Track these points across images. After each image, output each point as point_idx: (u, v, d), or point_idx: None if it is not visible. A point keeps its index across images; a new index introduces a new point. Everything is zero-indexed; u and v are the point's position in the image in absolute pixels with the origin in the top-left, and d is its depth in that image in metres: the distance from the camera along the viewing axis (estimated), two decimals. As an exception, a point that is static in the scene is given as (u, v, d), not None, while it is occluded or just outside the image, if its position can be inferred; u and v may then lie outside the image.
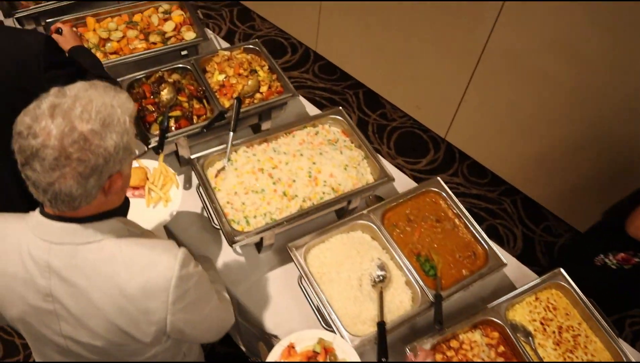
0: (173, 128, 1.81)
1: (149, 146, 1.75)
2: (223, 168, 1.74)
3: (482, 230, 1.73)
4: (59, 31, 1.69)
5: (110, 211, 1.01)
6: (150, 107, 1.87)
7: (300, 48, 3.70)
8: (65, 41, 1.67)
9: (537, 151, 2.90)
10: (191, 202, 1.83)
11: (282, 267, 1.74)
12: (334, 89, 3.48)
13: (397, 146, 3.22)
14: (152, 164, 1.65)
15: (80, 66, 1.46)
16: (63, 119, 0.86)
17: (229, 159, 1.75)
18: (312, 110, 2.19)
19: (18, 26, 2.29)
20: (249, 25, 3.82)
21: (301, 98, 2.12)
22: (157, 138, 1.75)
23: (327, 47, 3.59)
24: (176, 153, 1.89)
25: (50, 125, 0.86)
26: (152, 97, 1.89)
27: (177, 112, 1.85)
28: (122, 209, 1.07)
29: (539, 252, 2.90)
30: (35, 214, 1.00)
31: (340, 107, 1.96)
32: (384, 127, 3.30)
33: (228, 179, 1.70)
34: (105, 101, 0.92)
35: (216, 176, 1.73)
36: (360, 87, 3.49)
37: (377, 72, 3.37)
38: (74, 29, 2.17)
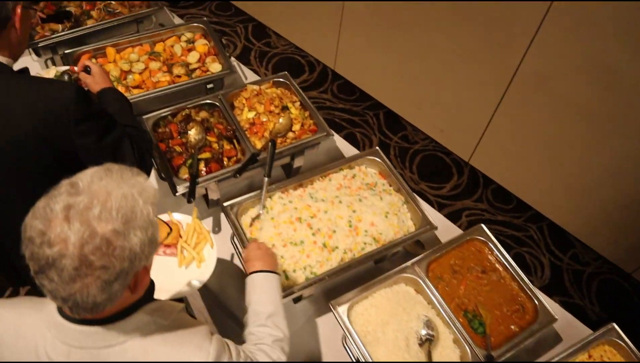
0: (203, 172, 1.71)
1: (177, 193, 1.65)
2: (258, 216, 1.65)
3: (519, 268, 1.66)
4: (87, 70, 1.59)
5: (135, 304, 0.92)
6: (178, 148, 1.77)
7: (318, 66, 3.60)
8: (94, 82, 1.57)
9: (565, 177, 2.81)
10: (220, 246, 1.73)
11: (320, 318, 1.65)
12: (354, 110, 3.38)
13: (419, 170, 3.13)
14: (184, 219, 1.55)
15: (111, 117, 1.37)
16: (81, 223, 0.76)
17: (264, 207, 1.66)
18: (342, 145, 2.09)
19: (34, 57, 2.19)
20: (264, 42, 3.71)
21: (336, 136, 2.01)
22: (186, 184, 1.65)
23: (346, 66, 3.49)
24: (205, 194, 1.80)
25: (67, 231, 0.76)
26: (179, 137, 1.80)
27: (207, 154, 1.75)
28: (148, 295, 0.97)
29: (567, 281, 2.82)
30: (53, 313, 0.90)
31: (377, 148, 1.87)
32: (406, 151, 3.21)
33: (265, 229, 1.60)
34: (124, 192, 0.82)
35: (251, 224, 1.64)
36: (380, 108, 3.39)
37: (399, 93, 3.27)
38: (94, 60, 2.07)
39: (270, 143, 1.71)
